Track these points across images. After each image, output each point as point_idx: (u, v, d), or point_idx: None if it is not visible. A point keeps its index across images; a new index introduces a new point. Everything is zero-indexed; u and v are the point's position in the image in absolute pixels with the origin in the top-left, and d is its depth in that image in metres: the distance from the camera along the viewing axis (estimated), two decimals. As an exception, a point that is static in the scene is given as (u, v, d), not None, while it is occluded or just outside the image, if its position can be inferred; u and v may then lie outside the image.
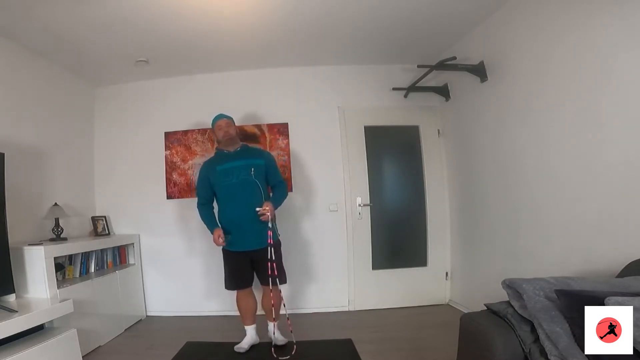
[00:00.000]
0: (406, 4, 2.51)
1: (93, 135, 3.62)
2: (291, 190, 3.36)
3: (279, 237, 2.63)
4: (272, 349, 2.46)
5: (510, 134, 2.56)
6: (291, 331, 2.52)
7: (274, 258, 2.43)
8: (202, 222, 2.65)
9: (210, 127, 2.73)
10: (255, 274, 2.62)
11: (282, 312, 2.58)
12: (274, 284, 2.49)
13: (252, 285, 2.63)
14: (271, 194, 2.64)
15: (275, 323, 2.59)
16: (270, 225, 2.43)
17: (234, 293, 2.64)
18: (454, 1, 2.48)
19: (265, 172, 2.61)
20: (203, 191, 2.65)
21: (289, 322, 2.52)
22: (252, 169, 2.53)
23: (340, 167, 3.50)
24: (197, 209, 2.65)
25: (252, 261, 2.55)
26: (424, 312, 3.31)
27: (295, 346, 2.48)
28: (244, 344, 2.55)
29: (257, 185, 2.51)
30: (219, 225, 2.55)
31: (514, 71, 2.48)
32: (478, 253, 3.07)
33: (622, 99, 1.73)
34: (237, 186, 2.51)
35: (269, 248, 2.41)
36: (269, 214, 2.42)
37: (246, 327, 2.62)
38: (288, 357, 2.39)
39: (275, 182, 2.67)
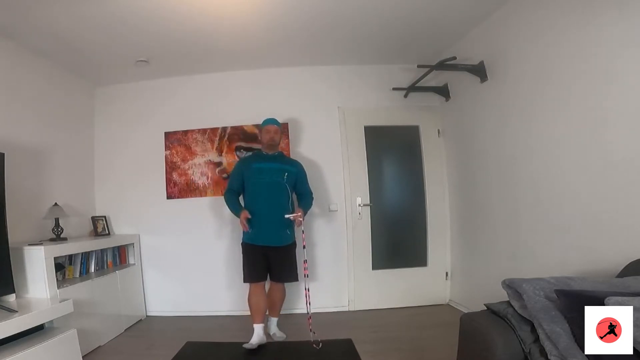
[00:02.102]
0: (406, 4, 2.51)
1: (93, 135, 3.62)
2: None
3: (295, 239, 2.82)
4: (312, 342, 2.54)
5: (510, 133, 2.56)
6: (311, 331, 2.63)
7: (305, 257, 2.67)
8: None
9: (260, 126, 2.91)
10: (268, 270, 2.75)
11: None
12: (295, 279, 2.77)
13: (265, 280, 2.73)
14: (299, 202, 2.88)
15: (277, 319, 2.84)
16: (302, 228, 2.70)
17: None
18: (454, 1, 2.48)
19: (295, 180, 2.82)
20: (234, 182, 2.82)
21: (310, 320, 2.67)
22: (286, 174, 2.75)
23: (340, 167, 3.50)
24: (223, 196, 2.87)
25: (266, 257, 2.69)
26: (424, 312, 3.31)
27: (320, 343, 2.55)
28: (254, 342, 2.56)
29: (287, 189, 2.74)
30: (244, 208, 2.71)
31: (514, 71, 2.48)
32: (478, 253, 3.07)
33: (623, 98, 1.73)
34: (268, 185, 2.70)
35: (304, 251, 2.67)
36: (301, 219, 2.65)
37: (255, 326, 2.64)
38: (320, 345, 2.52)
39: (304, 190, 2.88)
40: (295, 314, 3.31)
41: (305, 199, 2.86)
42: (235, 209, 2.74)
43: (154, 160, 3.58)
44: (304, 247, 2.67)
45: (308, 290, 2.66)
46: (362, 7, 2.53)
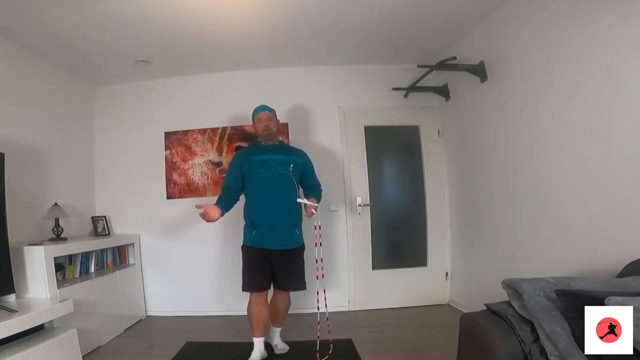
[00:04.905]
0: (406, 4, 2.51)
1: (93, 135, 3.63)
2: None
3: (304, 241, 2.51)
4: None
5: (510, 133, 2.56)
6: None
7: (318, 256, 2.28)
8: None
9: (251, 118, 2.56)
10: (273, 277, 2.44)
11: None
12: (303, 288, 2.43)
13: (269, 288, 2.42)
14: (306, 195, 2.49)
15: (280, 329, 2.59)
16: (318, 223, 2.27)
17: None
18: (454, 1, 2.48)
19: (301, 171, 2.49)
20: (232, 179, 2.42)
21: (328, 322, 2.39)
22: (291, 165, 2.42)
23: (340, 167, 3.50)
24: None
25: (270, 262, 2.37)
26: (424, 312, 3.31)
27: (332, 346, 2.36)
28: (256, 358, 2.35)
29: (293, 182, 2.40)
30: (222, 210, 2.27)
31: (514, 71, 2.48)
32: (478, 253, 3.07)
33: (623, 98, 1.72)
34: (273, 180, 2.36)
35: (316, 249, 2.27)
36: (314, 210, 2.26)
37: (255, 340, 2.38)
38: (327, 357, 2.32)
39: (312, 183, 2.56)
40: (295, 313, 3.29)
41: (313, 191, 2.50)
42: (218, 202, 2.31)
43: (154, 160, 3.58)
44: (318, 244, 2.27)
45: (324, 292, 2.31)
46: (363, 8, 2.53)
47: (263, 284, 2.38)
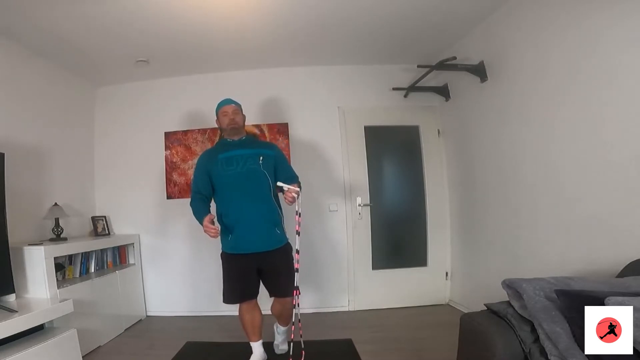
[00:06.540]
0: (406, 4, 2.51)
1: (93, 135, 3.62)
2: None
3: (288, 240, 2.32)
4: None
5: (510, 133, 2.56)
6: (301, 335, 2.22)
7: (292, 261, 2.15)
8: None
9: (215, 113, 2.39)
10: (262, 282, 2.28)
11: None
12: (290, 294, 2.14)
13: (256, 297, 2.27)
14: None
15: (285, 328, 2.45)
16: (299, 209, 2.04)
17: None
18: (454, 1, 2.48)
19: (274, 164, 2.28)
20: (200, 183, 2.25)
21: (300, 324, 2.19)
22: (261, 158, 2.22)
23: (340, 167, 3.50)
24: (190, 206, 2.24)
25: (258, 267, 2.21)
26: (424, 312, 3.31)
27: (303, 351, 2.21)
28: None
29: (266, 176, 2.20)
30: (209, 212, 2.15)
31: (514, 71, 2.48)
32: (478, 253, 3.07)
33: (622, 98, 1.73)
34: (243, 176, 2.18)
35: (296, 238, 2.06)
36: (295, 194, 1.99)
37: (253, 344, 2.31)
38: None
39: (288, 175, 2.29)
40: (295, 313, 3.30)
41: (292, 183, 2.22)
42: (199, 213, 2.13)
43: (154, 160, 3.58)
44: (297, 232, 2.04)
45: (297, 289, 2.08)
46: (363, 8, 2.53)
47: (247, 294, 2.22)
